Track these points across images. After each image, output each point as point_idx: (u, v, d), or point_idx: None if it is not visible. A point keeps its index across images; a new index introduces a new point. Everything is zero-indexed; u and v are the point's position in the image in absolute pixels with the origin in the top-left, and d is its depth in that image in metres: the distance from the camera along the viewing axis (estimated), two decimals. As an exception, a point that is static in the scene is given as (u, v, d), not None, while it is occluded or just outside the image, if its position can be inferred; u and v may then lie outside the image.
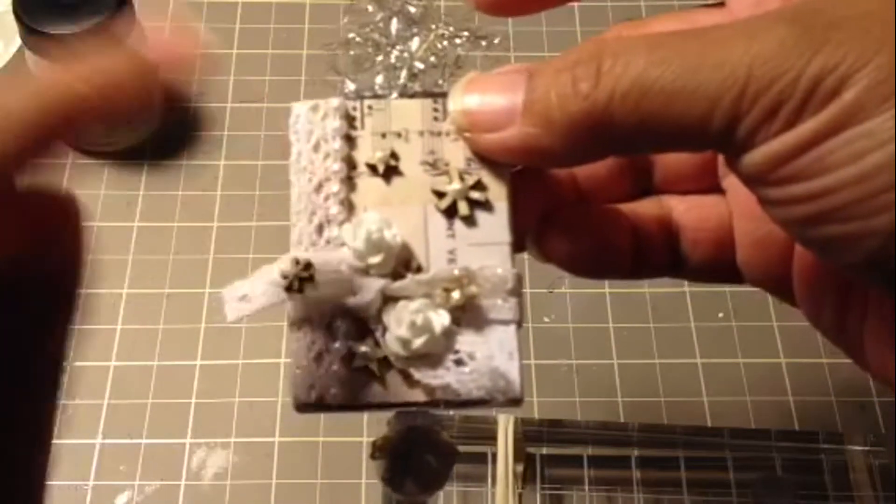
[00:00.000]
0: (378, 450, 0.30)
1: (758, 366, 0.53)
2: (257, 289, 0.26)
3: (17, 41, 0.57)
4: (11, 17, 0.54)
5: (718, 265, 0.30)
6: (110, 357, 0.53)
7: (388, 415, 0.43)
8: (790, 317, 0.54)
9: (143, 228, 0.57)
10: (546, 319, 0.55)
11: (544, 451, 0.49)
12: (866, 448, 0.47)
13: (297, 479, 0.50)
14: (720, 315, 0.55)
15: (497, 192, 0.26)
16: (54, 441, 0.53)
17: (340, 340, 0.25)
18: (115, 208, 0.58)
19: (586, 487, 0.48)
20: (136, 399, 0.52)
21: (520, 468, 0.47)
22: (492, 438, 0.46)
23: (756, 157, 0.22)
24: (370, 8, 0.28)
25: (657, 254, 0.30)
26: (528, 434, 0.47)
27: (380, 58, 0.27)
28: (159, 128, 0.61)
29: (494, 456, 0.46)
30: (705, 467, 0.49)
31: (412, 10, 0.28)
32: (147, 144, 0.60)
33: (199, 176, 0.59)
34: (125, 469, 0.50)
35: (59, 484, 0.49)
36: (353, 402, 0.25)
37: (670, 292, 0.55)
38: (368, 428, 0.51)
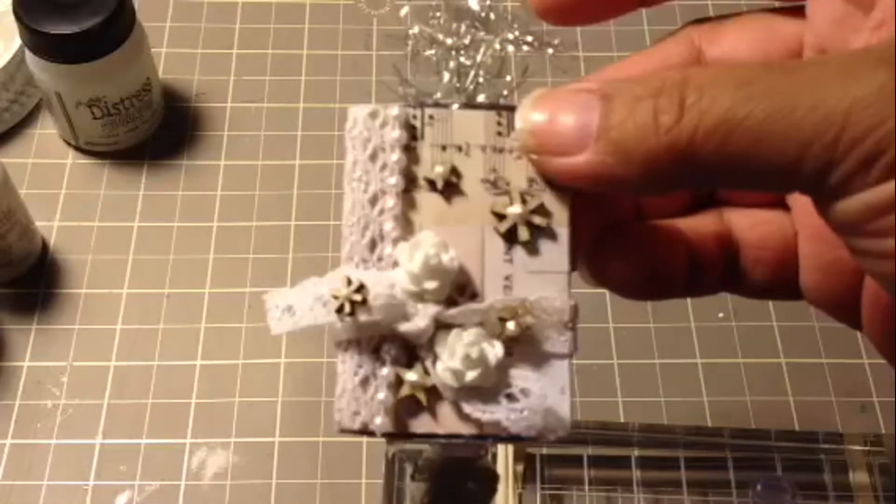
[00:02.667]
0: (419, 472, 0.29)
1: (758, 366, 0.53)
2: (304, 303, 0.25)
3: (17, 41, 0.57)
4: (11, 17, 0.54)
5: (778, 285, 0.29)
6: (110, 357, 0.53)
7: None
8: (790, 317, 0.54)
9: (143, 228, 0.57)
10: (546, 319, 0.55)
11: (544, 451, 0.49)
12: (866, 448, 0.47)
13: (297, 479, 0.50)
14: (720, 315, 0.55)
15: (559, 218, 0.25)
16: (55, 441, 0.53)
17: (388, 366, 0.24)
18: (115, 208, 0.58)
19: (586, 487, 0.48)
20: (136, 399, 0.52)
21: (520, 468, 0.47)
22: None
23: (849, 205, 0.21)
24: (438, 12, 0.27)
25: (714, 272, 0.29)
26: (528, 434, 0.47)
27: (444, 60, 0.26)
28: (159, 128, 0.61)
29: (494, 456, 0.46)
30: (705, 467, 0.49)
31: (479, 12, 0.27)
32: (147, 144, 0.60)
33: (199, 176, 0.59)
34: (125, 469, 0.50)
35: (59, 484, 0.49)
36: (398, 430, 0.24)
37: (670, 292, 0.55)
38: (368, 428, 0.51)
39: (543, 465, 0.48)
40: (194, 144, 0.61)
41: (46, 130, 0.61)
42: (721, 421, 0.51)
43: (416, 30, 0.27)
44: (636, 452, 0.49)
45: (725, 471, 0.48)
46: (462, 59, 0.26)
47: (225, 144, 0.61)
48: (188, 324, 0.54)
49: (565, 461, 0.49)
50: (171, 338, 0.54)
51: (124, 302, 0.55)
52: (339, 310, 0.24)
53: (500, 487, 0.46)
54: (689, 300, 0.55)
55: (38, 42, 0.54)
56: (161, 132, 0.61)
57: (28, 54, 0.55)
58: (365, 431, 0.24)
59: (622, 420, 0.51)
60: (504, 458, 0.46)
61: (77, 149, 0.60)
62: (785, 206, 0.29)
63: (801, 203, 0.28)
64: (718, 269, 0.29)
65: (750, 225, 0.29)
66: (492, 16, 0.27)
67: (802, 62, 0.22)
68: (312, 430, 0.51)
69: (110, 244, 0.57)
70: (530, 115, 0.24)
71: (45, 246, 0.56)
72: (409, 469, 0.47)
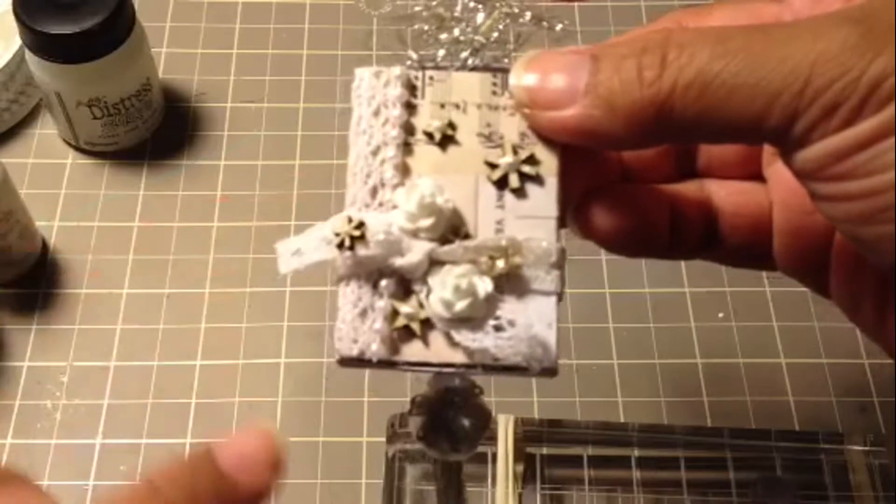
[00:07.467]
0: (416, 406, 0.31)
1: (758, 366, 0.53)
2: (310, 244, 0.27)
3: (17, 41, 0.57)
4: (11, 17, 0.54)
5: (754, 251, 0.31)
6: (110, 357, 0.53)
7: (394, 392, 0.43)
8: (790, 317, 0.54)
9: (143, 228, 0.57)
10: (546, 319, 0.55)
11: (544, 451, 0.49)
12: (866, 448, 0.47)
13: (297, 479, 0.50)
14: (720, 315, 0.55)
15: (548, 168, 0.27)
16: (55, 441, 0.53)
17: (385, 299, 0.26)
18: (115, 208, 0.58)
19: (586, 487, 0.48)
20: (136, 399, 0.52)
21: (520, 468, 0.47)
22: (492, 438, 0.46)
23: (812, 152, 0.22)
24: None
25: (694, 235, 0.30)
26: (528, 434, 0.47)
27: (444, 35, 0.28)
28: (159, 128, 0.61)
29: (494, 456, 0.46)
30: (705, 467, 0.49)
31: None
32: (147, 144, 0.60)
33: (199, 176, 0.59)
34: (125, 469, 0.50)
35: (59, 484, 0.49)
36: (392, 358, 0.26)
37: (670, 292, 0.55)
38: (368, 428, 0.51)
39: (543, 465, 0.48)
40: (194, 144, 0.61)
41: (46, 130, 0.61)
42: (721, 421, 0.51)
43: (418, 7, 0.28)
44: (636, 452, 0.48)
45: (725, 471, 0.48)
46: (462, 28, 0.28)
47: (225, 144, 0.61)
48: (188, 324, 0.54)
49: (565, 461, 0.49)
50: (171, 338, 0.54)
51: (124, 302, 0.55)
52: (340, 245, 0.26)
53: (500, 487, 0.46)
54: (688, 300, 0.55)
55: (38, 42, 0.54)
56: (161, 132, 0.61)
57: (28, 54, 0.55)
58: (362, 360, 0.26)
59: (622, 420, 0.51)
60: (504, 458, 0.46)
61: (77, 149, 0.60)
62: (761, 179, 0.31)
63: (776, 174, 0.30)
64: (698, 233, 0.31)
65: (728, 194, 0.31)
66: None
67: (776, 24, 0.23)
68: (312, 430, 0.51)
69: (110, 244, 0.57)
70: (524, 73, 0.26)
71: (45, 246, 0.56)
72: (409, 470, 0.47)
